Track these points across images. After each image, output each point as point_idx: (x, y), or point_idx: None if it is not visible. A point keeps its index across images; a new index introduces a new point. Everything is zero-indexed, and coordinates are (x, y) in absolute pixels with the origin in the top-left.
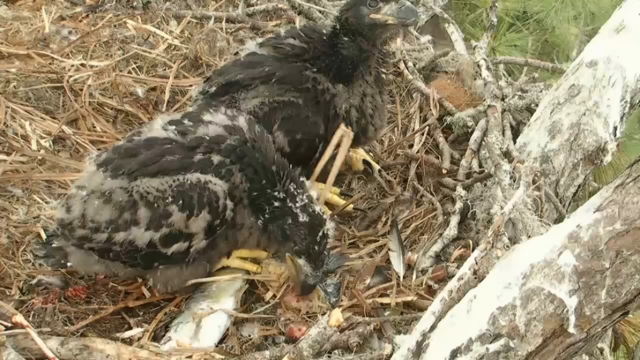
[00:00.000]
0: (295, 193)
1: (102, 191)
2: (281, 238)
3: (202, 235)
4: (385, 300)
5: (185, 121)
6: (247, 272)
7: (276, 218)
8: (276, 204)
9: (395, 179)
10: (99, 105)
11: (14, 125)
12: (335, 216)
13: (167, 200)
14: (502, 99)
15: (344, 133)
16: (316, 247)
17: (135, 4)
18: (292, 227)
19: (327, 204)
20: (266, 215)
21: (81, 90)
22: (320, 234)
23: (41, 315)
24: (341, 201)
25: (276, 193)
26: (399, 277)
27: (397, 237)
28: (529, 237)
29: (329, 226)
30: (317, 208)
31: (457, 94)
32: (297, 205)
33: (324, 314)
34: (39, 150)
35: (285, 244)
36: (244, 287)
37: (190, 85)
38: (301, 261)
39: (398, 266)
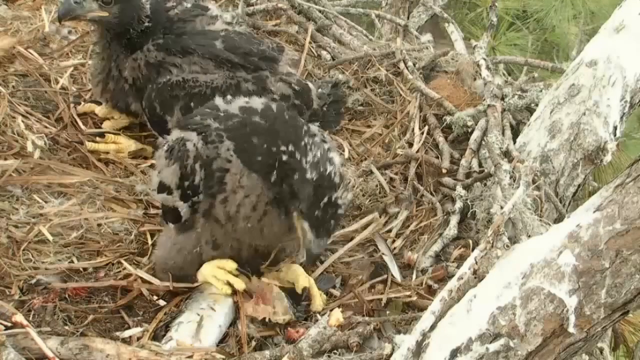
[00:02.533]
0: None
1: None
2: (289, 195)
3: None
4: (384, 299)
5: None
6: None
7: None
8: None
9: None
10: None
11: (14, 125)
12: None
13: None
14: (502, 99)
15: None
16: (319, 213)
17: None
18: (299, 184)
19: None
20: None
21: (81, 89)
22: (326, 200)
23: (41, 315)
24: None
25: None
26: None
27: (382, 242)
28: (529, 236)
29: (343, 195)
30: (332, 169)
31: (457, 94)
32: (308, 160)
33: (285, 325)
34: (38, 150)
35: (293, 203)
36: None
37: None
38: (305, 225)
39: (393, 269)
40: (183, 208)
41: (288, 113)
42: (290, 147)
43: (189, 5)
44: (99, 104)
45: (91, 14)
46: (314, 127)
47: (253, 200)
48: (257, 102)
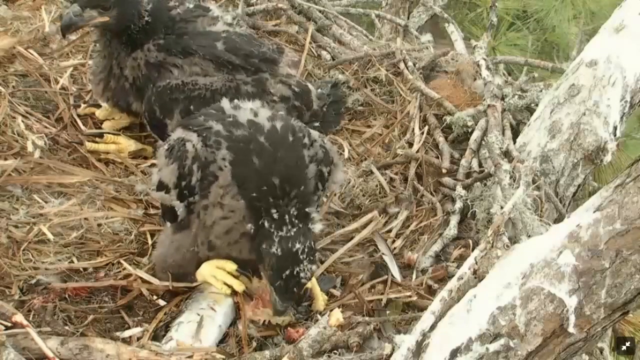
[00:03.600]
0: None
1: None
2: (258, 256)
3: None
4: (384, 299)
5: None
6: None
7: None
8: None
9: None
10: (99, 105)
11: (14, 125)
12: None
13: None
14: (502, 99)
15: None
16: (281, 283)
17: None
18: (266, 252)
19: None
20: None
21: (81, 90)
22: (287, 272)
23: (41, 315)
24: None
25: (273, 210)
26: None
27: (382, 241)
28: (529, 236)
29: (306, 269)
30: (300, 247)
31: (457, 94)
32: (280, 234)
33: (285, 326)
34: (38, 150)
35: (260, 262)
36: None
37: None
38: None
39: (394, 269)
40: (179, 207)
41: (292, 132)
42: (275, 215)
43: (191, 6)
44: (99, 106)
45: (92, 21)
46: (314, 134)
47: (229, 224)
48: (264, 118)
